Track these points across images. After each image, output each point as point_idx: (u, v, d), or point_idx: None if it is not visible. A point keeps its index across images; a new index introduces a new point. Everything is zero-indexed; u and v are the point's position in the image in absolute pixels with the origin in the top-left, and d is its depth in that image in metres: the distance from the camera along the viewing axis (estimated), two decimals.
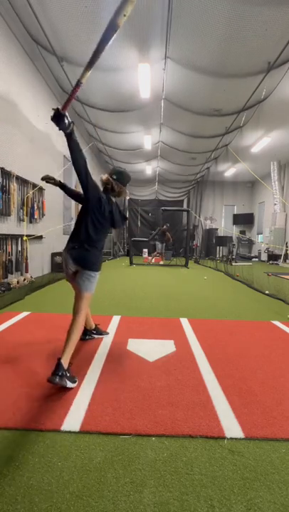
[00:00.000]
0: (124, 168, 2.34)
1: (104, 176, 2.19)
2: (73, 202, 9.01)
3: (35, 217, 5.98)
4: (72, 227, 2.20)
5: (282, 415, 1.59)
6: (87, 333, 2.66)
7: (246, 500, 1.09)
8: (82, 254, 2.08)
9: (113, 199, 2.20)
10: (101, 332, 2.77)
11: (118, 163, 12.54)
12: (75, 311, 2.05)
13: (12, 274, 5.11)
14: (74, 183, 9.00)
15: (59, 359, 1.81)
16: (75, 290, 2.14)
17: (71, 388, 1.80)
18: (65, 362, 1.83)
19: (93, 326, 2.71)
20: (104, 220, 2.13)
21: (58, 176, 7.36)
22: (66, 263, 2.13)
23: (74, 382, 1.85)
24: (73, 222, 8.92)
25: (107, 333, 2.81)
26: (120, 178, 2.21)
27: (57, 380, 1.73)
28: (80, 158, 1.98)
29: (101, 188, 2.19)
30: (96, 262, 2.12)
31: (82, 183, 2.04)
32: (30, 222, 5.85)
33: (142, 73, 5.92)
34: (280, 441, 1.41)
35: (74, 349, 1.93)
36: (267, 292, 5.06)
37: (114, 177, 2.19)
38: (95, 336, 2.71)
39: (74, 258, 2.09)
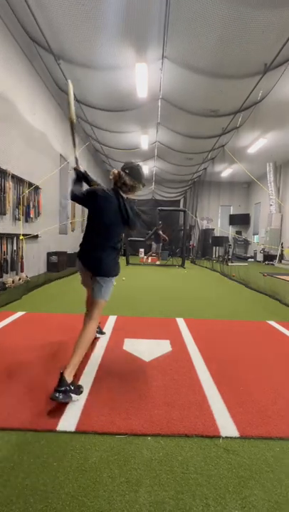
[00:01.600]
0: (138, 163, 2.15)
1: (116, 171, 2.01)
2: (70, 201, 8.97)
3: (31, 216, 5.94)
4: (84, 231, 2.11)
5: (277, 414, 1.61)
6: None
7: (241, 498, 1.10)
8: (95, 260, 1.97)
9: (124, 195, 2.00)
10: (101, 331, 2.78)
11: (115, 163, 12.51)
12: (87, 319, 1.94)
13: (7, 273, 5.07)
14: (70, 182, 8.96)
15: (62, 373, 1.64)
16: (91, 296, 2.05)
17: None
18: (69, 376, 1.66)
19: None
20: (113, 224, 1.97)
21: (54, 175, 7.35)
22: (80, 270, 2.09)
23: (79, 392, 1.72)
24: (69, 222, 8.87)
25: (104, 333, 2.81)
26: (133, 172, 1.98)
27: (60, 397, 1.57)
28: (76, 191, 2.10)
29: (111, 185, 2.05)
30: (112, 266, 2.00)
31: (81, 202, 2.08)
32: (26, 221, 5.81)
33: (139, 73, 5.92)
34: (275, 439, 1.42)
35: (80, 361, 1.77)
36: (263, 292, 5.09)
37: (127, 171, 1.99)
38: (98, 336, 2.70)
39: (87, 265, 2.01)
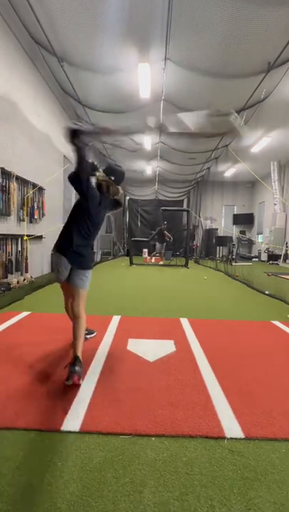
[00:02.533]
0: (121, 165, 2.26)
1: (101, 176, 2.12)
2: (73, 202, 9.01)
3: (35, 217, 5.98)
4: (63, 226, 2.17)
5: (283, 415, 1.59)
6: None
7: (246, 500, 1.10)
8: (78, 256, 2.10)
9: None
10: (91, 331, 2.75)
11: (118, 163, 12.52)
12: (76, 309, 2.11)
13: (12, 274, 5.10)
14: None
15: (76, 355, 1.89)
16: (69, 291, 2.19)
17: (77, 385, 1.83)
18: (80, 355, 1.91)
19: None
20: (99, 221, 2.20)
21: (58, 176, 7.39)
22: (58, 265, 2.10)
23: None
24: None
25: (94, 332, 2.77)
26: (117, 178, 2.18)
27: (78, 369, 1.81)
28: (82, 171, 1.98)
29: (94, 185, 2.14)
30: (90, 261, 2.26)
31: (82, 192, 2.06)
32: (30, 222, 5.85)
33: (142, 73, 5.92)
34: (280, 441, 1.41)
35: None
36: (267, 292, 5.05)
37: (112, 178, 2.14)
38: (87, 337, 2.67)
39: (70, 260, 2.08)
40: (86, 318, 2.15)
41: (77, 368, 1.82)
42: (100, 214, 2.16)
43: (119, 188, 2.21)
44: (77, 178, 1.99)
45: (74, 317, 2.10)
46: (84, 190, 2.05)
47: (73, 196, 8.97)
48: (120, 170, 2.22)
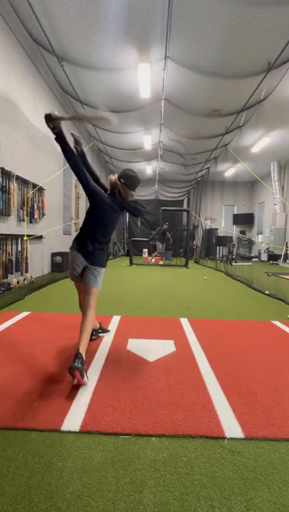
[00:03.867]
0: (134, 171, 2.29)
1: (113, 178, 2.20)
2: (73, 202, 9.02)
3: (35, 217, 5.98)
4: (80, 225, 2.26)
5: (283, 415, 1.59)
6: (93, 333, 2.67)
7: (246, 500, 1.09)
8: (92, 252, 2.18)
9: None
10: (104, 330, 2.83)
11: (118, 163, 12.53)
12: (86, 307, 2.16)
13: (12, 274, 5.11)
14: (74, 182, 9.00)
15: (78, 349, 1.91)
16: (82, 289, 2.26)
17: (81, 385, 1.84)
18: (83, 351, 1.92)
19: (98, 326, 2.75)
20: (110, 223, 2.21)
21: (58, 176, 7.40)
22: (74, 261, 2.19)
23: (86, 377, 1.89)
24: (73, 222, 8.91)
25: (109, 331, 2.87)
26: (128, 183, 2.20)
27: (79, 365, 1.80)
28: (70, 159, 2.01)
29: (108, 190, 2.22)
30: (104, 259, 2.26)
31: (83, 186, 2.10)
32: (31, 222, 5.85)
33: (142, 73, 5.92)
34: (280, 441, 1.41)
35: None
36: (267, 292, 5.05)
37: (122, 181, 2.18)
38: (100, 335, 2.75)
39: (84, 256, 2.18)
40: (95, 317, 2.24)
41: (76, 364, 1.81)
42: (106, 213, 2.17)
43: (131, 192, 2.23)
44: (72, 167, 2.04)
45: (83, 314, 2.17)
46: (83, 181, 2.07)
47: (73, 196, 8.98)
48: (131, 174, 2.25)
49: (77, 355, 1.87)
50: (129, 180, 2.21)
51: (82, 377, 1.81)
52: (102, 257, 2.24)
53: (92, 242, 2.17)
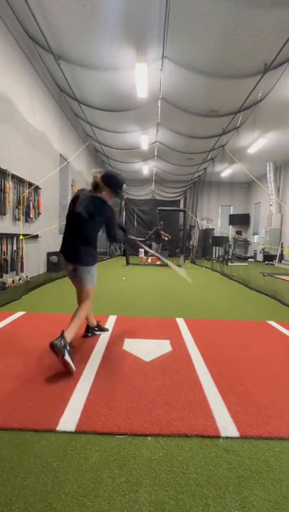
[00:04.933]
0: (119, 170, 2.39)
1: (96, 177, 2.24)
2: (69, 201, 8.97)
3: (31, 216, 5.94)
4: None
5: (277, 414, 1.61)
6: (89, 331, 2.70)
7: (241, 498, 1.10)
8: (74, 253, 2.28)
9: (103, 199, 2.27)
10: (102, 328, 2.82)
11: (115, 163, 12.51)
12: (78, 303, 2.30)
13: (7, 273, 5.07)
14: (70, 182, 8.97)
15: (62, 331, 1.98)
16: (76, 286, 2.37)
17: (70, 372, 1.92)
18: (68, 335, 1.97)
19: (95, 323, 2.75)
20: (84, 230, 2.26)
21: (54, 175, 7.36)
22: (64, 262, 2.33)
23: (72, 362, 1.93)
24: None
25: (107, 330, 2.86)
26: (106, 178, 2.24)
27: (59, 344, 1.87)
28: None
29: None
30: (89, 257, 2.30)
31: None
32: (26, 221, 5.81)
33: (139, 73, 5.92)
34: (275, 440, 1.42)
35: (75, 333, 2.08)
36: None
37: (100, 175, 2.24)
38: (97, 333, 2.76)
39: (68, 258, 2.30)
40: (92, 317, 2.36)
41: (55, 341, 1.88)
42: (78, 218, 2.24)
43: (107, 189, 2.26)
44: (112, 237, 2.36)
45: (78, 305, 2.29)
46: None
47: (69, 195, 8.94)
48: (113, 173, 2.35)
49: (61, 334, 1.95)
50: (107, 176, 2.24)
51: (63, 355, 1.87)
52: (87, 255, 2.28)
53: (74, 243, 2.27)
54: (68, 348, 1.94)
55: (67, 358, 1.88)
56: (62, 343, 1.91)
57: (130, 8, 4.52)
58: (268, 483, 1.17)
